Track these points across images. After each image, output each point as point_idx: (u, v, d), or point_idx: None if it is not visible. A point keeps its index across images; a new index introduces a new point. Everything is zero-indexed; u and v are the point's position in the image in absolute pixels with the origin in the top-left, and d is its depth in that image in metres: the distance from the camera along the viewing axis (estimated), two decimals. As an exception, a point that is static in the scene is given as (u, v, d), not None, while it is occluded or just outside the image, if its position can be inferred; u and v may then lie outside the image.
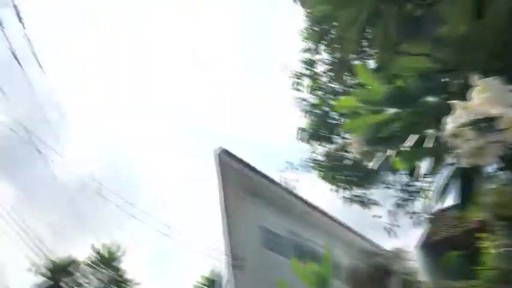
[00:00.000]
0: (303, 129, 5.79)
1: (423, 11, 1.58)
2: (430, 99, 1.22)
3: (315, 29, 5.39)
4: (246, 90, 17.87)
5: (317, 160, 6.03)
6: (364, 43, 2.22)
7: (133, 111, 17.81)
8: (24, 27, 7.90)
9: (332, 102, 5.70)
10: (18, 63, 7.47)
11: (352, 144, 1.32)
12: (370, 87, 1.31)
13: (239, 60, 18.70)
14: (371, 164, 1.31)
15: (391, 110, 1.21)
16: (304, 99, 5.78)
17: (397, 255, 9.96)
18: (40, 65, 7.34)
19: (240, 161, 9.38)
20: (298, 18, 5.08)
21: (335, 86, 5.63)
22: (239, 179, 9.39)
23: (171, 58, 18.64)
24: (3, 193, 14.47)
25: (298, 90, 5.75)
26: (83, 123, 15.54)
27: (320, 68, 5.59)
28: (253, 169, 9.46)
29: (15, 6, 6.79)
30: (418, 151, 1.13)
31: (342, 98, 1.57)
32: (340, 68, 5.22)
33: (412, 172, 1.30)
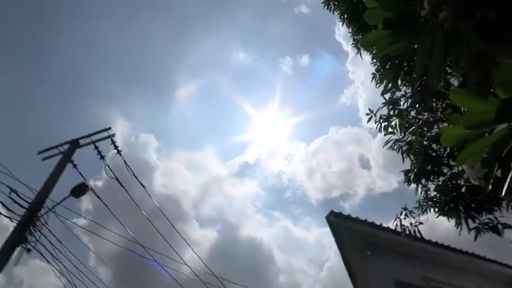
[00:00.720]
0: (407, 171, 5.43)
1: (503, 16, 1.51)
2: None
3: (386, 67, 5.37)
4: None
5: (432, 197, 5.48)
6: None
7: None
8: (120, 154, 9.31)
9: (427, 134, 5.39)
10: (121, 185, 8.67)
11: (470, 172, 1.22)
12: (471, 109, 1.23)
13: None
14: (494, 189, 1.17)
15: (502, 126, 1.11)
16: (399, 140, 5.52)
17: None
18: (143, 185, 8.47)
19: (352, 218, 8.99)
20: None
21: (424, 116, 5.33)
22: (357, 237, 8.99)
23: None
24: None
25: (391, 133, 5.54)
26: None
27: (405, 104, 5.40)
28: (368, 224, 8.94)
29: (111, 139, 8.21)
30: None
31: (446, 129, 1.49)
32: (426, 97, 4.99)
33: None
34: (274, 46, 43.16)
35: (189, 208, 39.07)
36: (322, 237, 42.22)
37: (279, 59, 43.87)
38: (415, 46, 1.73)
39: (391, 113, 5.51)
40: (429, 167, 5.30)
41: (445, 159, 5.17)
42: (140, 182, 9.81)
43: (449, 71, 3.97)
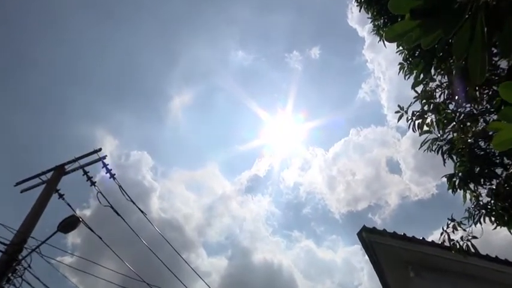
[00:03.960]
0: (451, 176, 5.27)
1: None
2: None
3: (416, 55, 5.28)
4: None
5: (486, 204, 5.31)
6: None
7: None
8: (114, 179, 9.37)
9: (472, 130, 5.25)
10: (118, 215, 8.69)
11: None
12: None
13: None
14: None
15: None
16: (437, 139, 5.37)
17: None
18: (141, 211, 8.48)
19: (389, 233, 8.84)
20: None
21: (466, 109, 5.19)
22: (396, 255, 8.82)
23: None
24: None
25: (427, 132, 5.40)
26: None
27: (442, 96, 5.26)
28: (408, 239, 8.76)
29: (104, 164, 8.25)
30: None
31: (497, 125, 1.39)
32: (467, 86, 4.85)
33: None
34: (277, 40, 43.25)
35: (193, 234, 39.01)
36: (352, 257, 41.64)
37: (284, 55, 43.88)
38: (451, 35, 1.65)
39: (426, 108, 5.39)
40: (478, 169, 5.15)
41: (497, 158, 5.01)
42: (140, 209, 9.84)
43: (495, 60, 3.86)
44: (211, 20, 40.07)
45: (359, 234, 9.05)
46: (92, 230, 8.35)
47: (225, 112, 44.08)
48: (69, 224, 7.78)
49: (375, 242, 8.88)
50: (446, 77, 5.15)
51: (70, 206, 8.25)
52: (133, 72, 39.09)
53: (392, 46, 5.67)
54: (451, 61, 4.73)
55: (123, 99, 40.45)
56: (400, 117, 5.60)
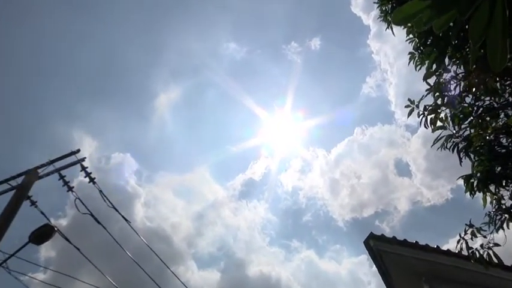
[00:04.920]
0: (468, 177, 5.24)
1: None
2: None
3: (428, 43, 5.25)
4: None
5: (509, 208, 5.30)
6: None
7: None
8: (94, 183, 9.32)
9: (491, 125, 5.22)
10: (99, 223, 8.62)
11: None
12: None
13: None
14: None
15: None
16: (452, 136, 5.34)
17: None
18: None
19: (399, 241, 8.81)
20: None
21: (485, 102, 5.17)
22: (408, 265, 8.84)
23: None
24: None
25: (440, 128, 5.37)
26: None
27: (457, 88, 5.23)
28: (421, 247, 8.72)
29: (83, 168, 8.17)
30: None
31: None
32: (486, 76, 4.82)
33: None
34: (274, 30, 43.19)
35: (182, 245, 38.89)
36: (358, 269, 41.71)
37: (282, 46, 43.78)
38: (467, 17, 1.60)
39: (439, 101, 5.36)
40: (499, 169, 5.12)
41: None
42: (123, 216, 9.77)
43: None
44: (200, 7, 40.04)
45: (366, 243, 9.02)
46: (69, 241, 8.29)
47: (216, 110, 44.02)
48: (43, 234, 7.70)
49: (384, 251, 8.84)
50: (462, 67, 5.13)
51: (44, 214, 8.18)
52: (114, 66, 38.98)
53: (402, 34, 5.63)
54: (467, 49, 4.69)
55: (103, 96, 40.29)
56: (410, 113, 5.56)
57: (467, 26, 1.67)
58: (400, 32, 5.92)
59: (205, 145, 44.07)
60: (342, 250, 44.94)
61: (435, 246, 8.69)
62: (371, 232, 8.97)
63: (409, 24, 5.02)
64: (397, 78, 36.75)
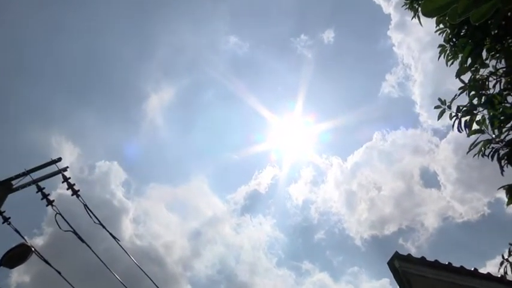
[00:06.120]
0: (511, 187, 5.16)
1: None
2: None
3: (462, 34, 5.19)
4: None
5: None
6: None
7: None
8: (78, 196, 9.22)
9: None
10: (83, 242, 8.58)
11: None
12: None
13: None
14: None
15: None
16: (491, 141, 5.26)
17: None
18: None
19: (429, 263, 8.81)
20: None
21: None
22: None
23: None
24: None
25: (477, 132, 5.30)
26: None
27: (497, 86, 5.16)
28: (455, 270, 8.72)
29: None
30: None
31: None
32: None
33: None
34: (280, 21, 42.87)
35: (177, 268, 38.64)
36: (379, 294, 41.02)
37: (290, 39, 43.54)
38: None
39: (475, 101, 5.31)
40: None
41: None
42: (111, 234, 9.72)
43: None
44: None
45: (390, 264, 9.01)
46: (48, 263, 8.23)
47: (215, 112, 43.94)
48: (17, 255, 7.65)
49: (411, 274, 8.79)
50: (502, 61, 5.08)
51: (18, 232, 8.11)
52: (99, 63, 38.89)
53: (429, 24, 5.54)
54: (510, 40, 4.61)
55: (86, 97, 40.20)
56: (441, 114, 5.53)
57: (510, 14, 1.66)
58: (427, 21, 5.84)
59: (202, 152, 44.00)
60: (360, 273, 44.44)
61: (472, 269, 8.59)
62: (396, 251, 8.96)
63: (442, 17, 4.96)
64: (423, 75, 36.59)
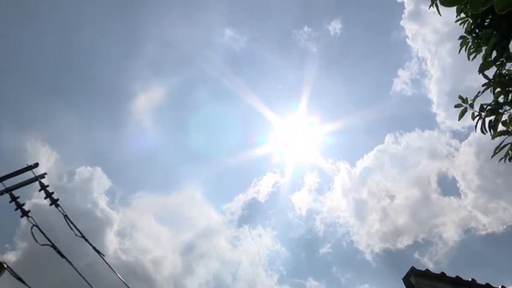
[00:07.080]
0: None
1: None
2: None
3: (486, 25, 5.16)
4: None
5: None
6: None
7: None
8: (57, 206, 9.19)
9: None
10: (61, 255, 8.54)
11: None
12: None
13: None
14: None
15: None
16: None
17: None
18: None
19: (449, 279, 8.75)
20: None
21: None
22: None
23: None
24: None
25: (503, 133, 5.25)
26: None
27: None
28: (479, 287, 8.61)
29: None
30: None
31: None
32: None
33: None
34: (281, 12, 42.55)
35: (167, 285, 38.31)
36: (393, 314, 40.73)
37: (292, 31, 43.33)
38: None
39: (501, 99, 5.26)
40: None
41: None
42: (95, 248, 9.66)
43: None
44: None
45: (406, 280, 8.95)
46: (22, 281, 8.17)
47: (209, 113, 43.68)
48: (-12, 273, 7.61)
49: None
50: None
51: (-10, 247, 8.06)
52: (79, 59, 38.60)
53: (449, 13, 5.50)
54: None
55: (65, 96, 39.85)
56: (462, 114, 5.49)
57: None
58: (446, 10, 5.79)
59: (196, 157, 43.71)
60: (371, 290, 43.99)
61: (499, 287, 8.53)
62: (412, 267, 8.91)
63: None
64: (440, 71, 36.41)
